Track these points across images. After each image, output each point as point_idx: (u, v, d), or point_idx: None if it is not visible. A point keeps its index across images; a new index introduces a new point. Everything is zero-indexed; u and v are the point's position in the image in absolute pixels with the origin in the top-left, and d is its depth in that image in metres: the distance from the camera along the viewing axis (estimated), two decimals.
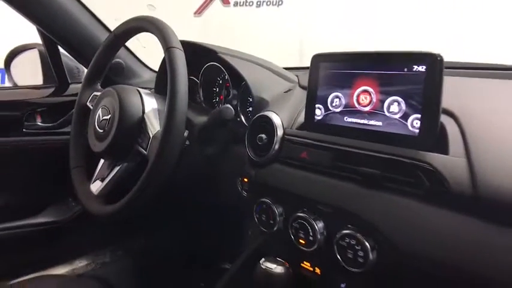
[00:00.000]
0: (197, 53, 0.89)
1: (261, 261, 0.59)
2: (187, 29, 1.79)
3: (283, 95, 0.78)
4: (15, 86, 1.15)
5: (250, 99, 0.86)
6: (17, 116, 1.04)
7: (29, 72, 1.22)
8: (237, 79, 0.83)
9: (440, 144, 0.51)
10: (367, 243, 0.53)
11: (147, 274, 1.16)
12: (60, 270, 1.10)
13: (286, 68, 0.94)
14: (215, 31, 2.81)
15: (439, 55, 0.51)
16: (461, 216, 0.46)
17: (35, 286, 0.83)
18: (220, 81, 0.96)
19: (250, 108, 0.86)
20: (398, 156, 0.52)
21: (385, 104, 0.56)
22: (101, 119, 0.76)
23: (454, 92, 0.57)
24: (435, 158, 0.49)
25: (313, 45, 2.31)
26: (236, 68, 0.81)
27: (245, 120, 0.86)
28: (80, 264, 1.14)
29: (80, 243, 1.14)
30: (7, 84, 1.22)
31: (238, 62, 0.83)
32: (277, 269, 0.58)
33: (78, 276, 1.06)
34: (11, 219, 1.03)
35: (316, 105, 0.65)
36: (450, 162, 0.48)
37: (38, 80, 1.17)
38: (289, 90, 0.80)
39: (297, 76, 0.86)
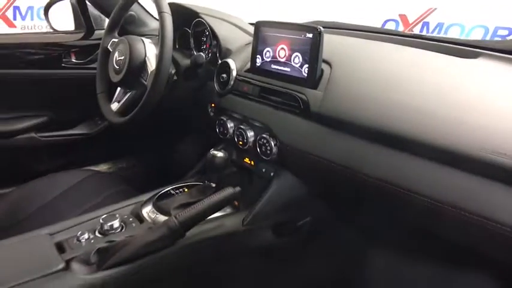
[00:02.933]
0: (187, 12, 1.21)
1: (210, 151, 0.97)
2: None
3: (244, 47, 1.11)
4: (55, 31, 1.49)
5: None
6: (57, 54, 1.41)
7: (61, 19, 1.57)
8: (214, 33, 1.15)
9: (317, 82, 0.85)
10: (272, 142, 0.89)
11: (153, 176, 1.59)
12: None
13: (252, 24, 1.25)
14: None
15: (319, 28, 0.82)
16: (314, 123, 0.81)
17: (73, 175, 1.24)
18: (207, 33, 1.28)
19: None
20: (291, 90, 0.86)
21: (292, 57, 0.89)
22: (117, 59, 1.11)
23: (336, 48, 0.89)
24: (306, 91, 0.83)
25: None
26: (212, 26, 1.13)
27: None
28: (104, 166, 1.56)
29: (104, 150, 1.55)
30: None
31: (214, 21, 1.15)
32: (219, 154, 0.95)
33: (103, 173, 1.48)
34: (56, 130, 1.44)
35: (257, 56, 0.97)
36: (313, 94, 0.82)
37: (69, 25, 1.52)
38: (249, 43, 1.12)
39: None
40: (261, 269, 0.92)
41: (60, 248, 0.74)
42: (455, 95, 0.68)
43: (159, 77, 0.98)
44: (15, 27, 3.48)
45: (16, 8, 3.47)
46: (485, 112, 0.63)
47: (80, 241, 0.76)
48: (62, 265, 0.68)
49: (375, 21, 2.72)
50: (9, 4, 3.40)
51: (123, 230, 0.81)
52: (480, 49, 0.83)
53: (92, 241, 0.76)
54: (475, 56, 0.80)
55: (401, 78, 0.76)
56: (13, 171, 1.38)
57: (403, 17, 2.73)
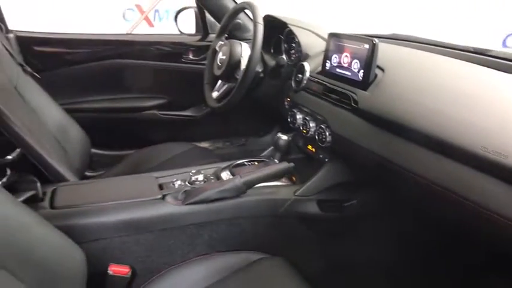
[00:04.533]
0: (279, 22, 1.46)
1: (277, 134, 1.20)
2: None
3: (319, 52, 1.31)
4: (181, 33, 1.88)
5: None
6: (179, 51, 1.80)
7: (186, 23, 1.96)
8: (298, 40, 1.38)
9: (369, 85, 1.01)
10: (327, 132, 1.08)
11: None
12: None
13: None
14: None
15: (375, 40, 0.99)
16: (360, 119, 0.98)
17: (179, 146, 1.58)
18: (296, 40, 1.51)
19: None
20: (346, 90, 1.04)
21: (352, 63, 1.07)
22: (220, 57, 1.40)
23: (391, 56, 1.04)
24: (358, 91, 1.00)
25: None
26: (296, 34, 1.35)
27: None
28: (204, 144, 1.91)
29: (206, 130, 1.91)
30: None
31: (299, 30, 1.37)
32: (282, 137, 1.18)
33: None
34: (172, 110, 1.83)
35: (327, 61, 1.17)
36: (362, 94, 0.99)
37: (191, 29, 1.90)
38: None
39: None
40: (303, 233, 1.12)
41: (160, 186, 1.06)
42: (498, 108, 0.74)
43: (247, 74, 1.24)
44: (153, 27, 4.15)
45: (156, 11, 4.13)
46: None
47: (173, 185, 1.07)
48: (159, 196, 0.99)
49: None
50: (152, 8, 4.08)
51: (204, 183, 1.09)
52: None
53: (182, 186, 1.06)
54: None
55: (442, 87, 0.88)
56: (136, 138, 1.81)
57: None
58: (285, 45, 1.52)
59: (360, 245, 1.16)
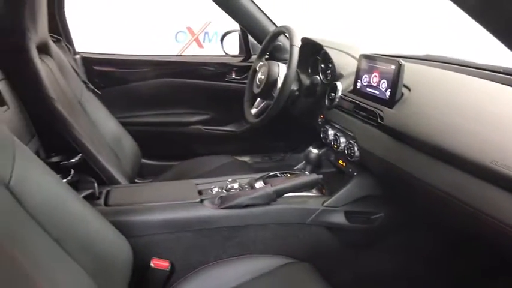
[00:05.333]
0: (315, 44, 1.55)
1: (309, 148, 1.28)
2: None
3: (352, 72, 1.38)
4: (226, 54, 2.03)
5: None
6: (224, 71, 1.94)
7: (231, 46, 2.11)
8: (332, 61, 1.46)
9: (395, 103, 1.07)
10: (355, 147, 1.15)
11: None
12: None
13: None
14: None
15: (401, 61, 1.05)
16: (385, 135, 1.03)
17: (220, 159, 1.70)
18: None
19: None
20: (374, 108, 1.10)
21: (380, 83, 1.13)
22: (259, 77, 1.52)
23: (418, 76, 1.09)
24: (384, 109, 1.06)
25: None
26: (330, 55, 1.44)
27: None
28: (244, 158, 2.02)
29: (245, 145, 2.02)
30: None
31: (333, 51, 1.45)
32: (313, 151, 1.25)
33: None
34: (215, 125, 1.97)
35: (358, 80, 1.24)
36: (388, 111, 1.05)
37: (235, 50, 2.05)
38: None
39: None
40: (330, 242, 1.17)
41: (200, 192, 1.17)
42: None
43: (283, 92, 1.34)
44: (203, 48, 4.39)
45: (206, 33, 4.38)
46: None
47: (211, 191, 1.17)
48: (198, 200, 1.10)
49: None
50: (202, 30, 4.34)
51: (238, 191, 1.19)
52: None
53: (218, 192, 1.17)
54: None
55: (465, 105, 0.93)
56: (181, 150, 1.96)
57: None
58: (322, 66, 1.61)
59: (387, 258, 1.19)
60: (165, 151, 1.95)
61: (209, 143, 2.00)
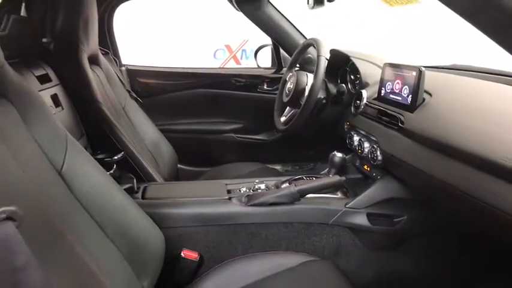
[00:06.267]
0: (343, 55, 1.61)
1: (334, 152, 1.33)
2: None
3: (377, 81, 1.43)
4: (259, 67, 2.14)
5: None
6: (256, 82, 2.04)
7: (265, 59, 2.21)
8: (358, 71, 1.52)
9: (416, 108, 1.10)
10: (378, 151, 1.19)
11: None
12: None
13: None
14: None
15: (421, 68, 1.09)
16: (406, 138, 1.07)
17: (251, 166, 1.78)
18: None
19: None
20: (396, 113, 1.14)
21: (403, 89, 1.17)
22: (288, 86, 1.60)
23: (437, 81, 1.13)
24: (405, 113, 1.10)
25: None
26: (357, 65, 1.49)
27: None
28: (275, 166, 2.09)
29: (275, 153, 2.09)
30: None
31: (360, 62, 1.51)
32: (337, 155, 1.30)
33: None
34: (247, 134, 2.06)
35: (382, 88, 1.29)
36: (409, 116, 1.08)
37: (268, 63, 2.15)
38: None
39: None
40: (352, 243, 1.21)
41: (229, 191, 1.25)
42: None
43: (309, 100, 1.41)
44: (240, 64, 4.55)
45: (243, 50, 4.54)
46: None
47: (239, 190, 1.25)
48: (226, 197, 1.18)
49: None
50: (239, 48, 4.50)
51: (265, 191, 1.26)
52: None
53: (246, 191, 1.24)
54: None
55: (484, 109, 0.96)
56: (215, 157, 2.06)
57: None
58: (351, 77, 1.67)
59: (409, 261, 1.21)
60: (199, 157, 2.06)
61: (241, 150, 2.09)
